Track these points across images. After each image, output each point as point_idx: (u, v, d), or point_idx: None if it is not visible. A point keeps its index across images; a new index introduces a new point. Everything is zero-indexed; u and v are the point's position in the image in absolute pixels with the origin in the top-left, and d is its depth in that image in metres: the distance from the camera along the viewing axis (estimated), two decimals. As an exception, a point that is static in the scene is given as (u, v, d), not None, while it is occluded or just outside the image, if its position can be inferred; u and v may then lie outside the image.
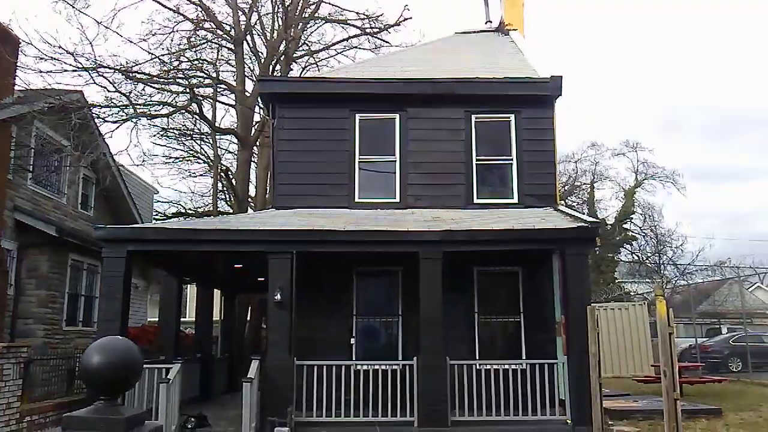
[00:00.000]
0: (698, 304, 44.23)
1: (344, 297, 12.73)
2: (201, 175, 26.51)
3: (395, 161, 13.50)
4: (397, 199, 13.35)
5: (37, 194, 17.18)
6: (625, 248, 38.18)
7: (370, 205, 13.16)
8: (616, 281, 36.64)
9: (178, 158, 25.97)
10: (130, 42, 17.71)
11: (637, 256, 38.02)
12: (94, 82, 16.93)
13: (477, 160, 13.51)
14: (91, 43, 16.32)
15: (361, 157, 13.48)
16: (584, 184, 39.03)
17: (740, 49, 75.81)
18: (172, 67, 17.85)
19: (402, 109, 13.58)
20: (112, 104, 15.98)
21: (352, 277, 12.93)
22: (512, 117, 13.58)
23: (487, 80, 13.56)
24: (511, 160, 13.47)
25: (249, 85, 20.79)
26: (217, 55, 21.61)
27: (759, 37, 74.07)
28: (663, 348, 8.44)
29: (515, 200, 13.32)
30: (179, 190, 46.59)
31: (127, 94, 15.77)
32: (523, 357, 12.47)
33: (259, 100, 17.57)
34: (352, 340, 12.67)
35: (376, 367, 11.23)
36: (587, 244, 11.07)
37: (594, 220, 10.99)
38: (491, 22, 18.68)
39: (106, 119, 15.93)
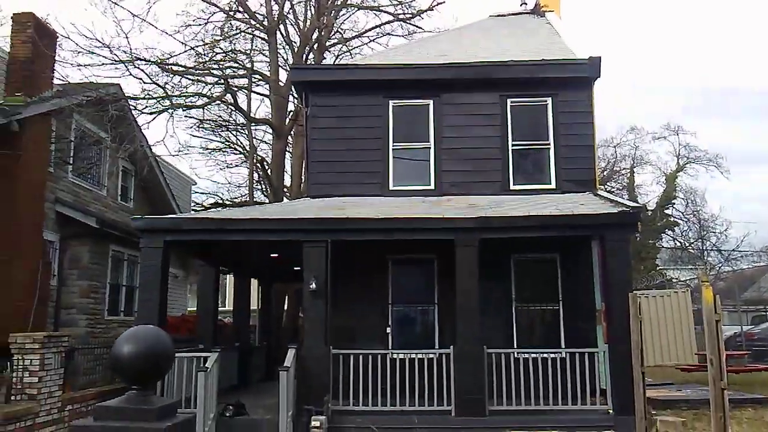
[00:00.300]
0: (743, 290, 43.13)
1: (379, 285, 12.66)
2: (237, 165, 26.74)
3: (430, 148, 13.33)
4: (432, 186, 13.19)
5: (78, 186, 17.48)
6: (667, 234, 37.31)
7: (404, 192, 13.04)
8: (658, 268, 35.87)
9: (214, 149, 26.20)
10: (166, 34, 17.88)
11: (680, 242, 37.15)
12: (131, 74, 17.09)
13: (513, 145, 13.26)
14: (126, 36, 16.49)
15: (395, 144, 13.35)
16: (624, 169, 38.22)
17: (787, 27, 73.15)
18: (207, 59, 17.91)
19: (436, 94, 13.39)
20: (149, 96, 16.07)
21: (387, 265, 12.84)
22: (549, 100, 13.28)
23: (523, 63, 13.28)
24: (549, 144, 13.19)
25: (283, 75, 20.77)
26: (251, 45, 21.65)
27: (807, 14, 71.33)
28: (709, 336, 8.16)
29: (553, 186, 13.04)
30: (217, 181, 47.03)
31: (163, 85, 15.85)
32: (563, 345, 12.25)
33: (292, 89, 17.58)
34: (388, 329, 12.60)
35: (413, 355, 11.14)
36: (628, 230, 10.77)
37: (635, 204, 10.68)
38: (526, 3, 18.31)
39: (143, 111, 16.03)
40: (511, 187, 13.10)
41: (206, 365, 10.07)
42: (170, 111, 15.92)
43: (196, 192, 27.74)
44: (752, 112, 67.17)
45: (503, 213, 10.97)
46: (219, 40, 18.87)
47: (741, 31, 73.65)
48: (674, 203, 37.15)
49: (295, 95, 17.74)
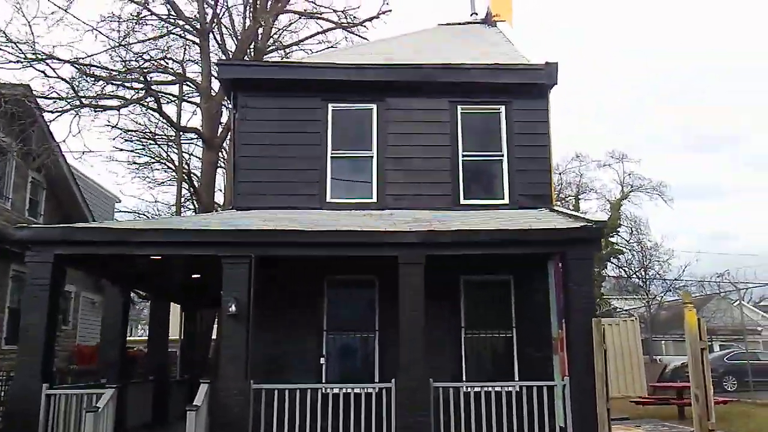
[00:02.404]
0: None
1: (313, 310, 11.15)
2: (165, 182, 24.82)
3: (372, 157, 12.01)
4: (374, 200, 11.84)
5: (-25, 198, 15.49)
6: (612, 262, 36.98)
7: (343, 205, 11.65)
8: (603, 297, 35.38)
9: (142, 164, 24.28)
10: (88, 28, 16.09)
11: (624, 270, 36.85)
12: (46, 75, 15.30)
13: (464, 156, 12.08)
14: (32, 32, 14.55)
15: (333, 152, 11.97)
16: (569, 196, 37.88)
17: (721, 66, 75.87)
18: (128, 60, 16.27)
19: (380, 98, 12.12)
20: (58, 96, 14.31)
21: (323, 287, 11.36)
22: (502, 108, 12.18)
23: (475, 66, 12.17)
24: (502, 156, 12.05)
25: (216, 85, 19.24)
26: (184, 55, 20.10)
27: (737, 54, 74.21)
28: (694, 366, 6.99)
29: (506, 201, 11.88)
30: (145, 199, 44.42)
31: (70, 80, 14.12)
32: (516, 377, 10.99)
33: (225, 100, 16.12)
34: (322, 360, 11.08)
35: (350, 390, 9.66)
36: (592, 246, 9.63)
37: (598, 218, 9.58)
38: (477, 14, 17.39)
39: (49, 110, 14.24)
40: (461, 201, 11.88)
41: (97, 404, 8.34)
42: (77, 109, 14.13)
43: (121, 210, 25.74)
44: (693, 147, 68.88)
45: (452, 227, 9.71)
46: (145, 41, 17.19)
47: (682, 64, 75.91)
48: (619, 231, 36.92)
49: (228, 105, 16.26)
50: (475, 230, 9.51)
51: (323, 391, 9.63)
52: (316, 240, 9.35)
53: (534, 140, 12.03)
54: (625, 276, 37.11)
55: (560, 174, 37.92)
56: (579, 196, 37.93)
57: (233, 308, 9.02)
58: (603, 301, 34.05)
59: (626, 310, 38.13)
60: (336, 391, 9.80)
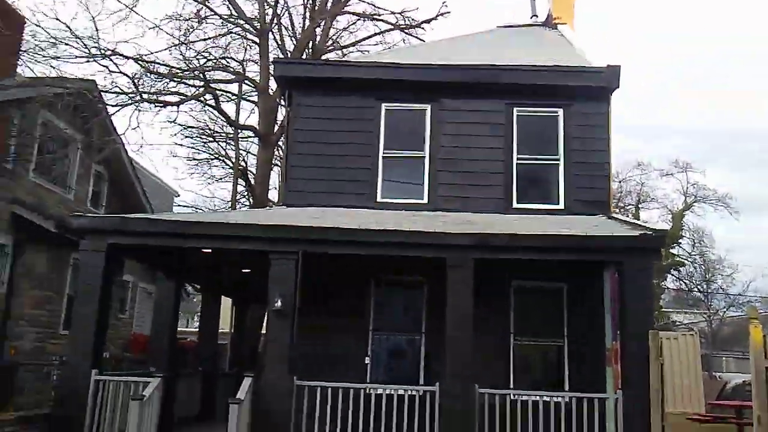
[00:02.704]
0: (748, 337, 41.42)
1: (359, 309, 11.07)
2: (222, 179, 25.22)
3: (425, 158, 11.86)
4: (425, 201, 11.69)
5: (41, 187, 15.98)
6: (672, 274, 35.70)
7: (394, 206, 11.54)
8: (662, 309, 34.19)
9: (200, 160, 24.74)
10: (153, 27, 16.49)
11: (685, 282, 35.55)
12: (109, 71, 15.74)
13: (518, 159, 11.80)
14: (96, 28, 14.93)
15: (386, 151, 11.88)
16: (629, 205, 36.77)
17: (795, 73, 72.52)
18: (189, 57, 16.59)
19: (434, 99, 11.96)
20: (120, 91, 14.68)
21: (370, 286, 11.27)
22: (560, 111, 11.85)
23: (533, 68, 11.88)
24: (558, 160, 11.72)
25: (274, 84, 19.44)
26: (244, 55, 20.39)
27: (816, 61, 70.80)
28: (757, 385, 6.58)
29: (561, 206, 11.54)
30: (203, 194, 45.24)
31: (131, 76, 14.47)
32: (566, 388, 10.65)
33: (281, 98, 16.23)
34: (367, 359, 10.99)
35: (393, 392, 9.52)
36: (650, 256, 9.24)
37: (659, 227, 9.18)
38: (537, 16, 17.04)
39: (108, 103, 14.61)
40: (514, 205, 11.61)
41: (143, 392, 8.45)
42: (137, 103, 14.46)
43: (179, 204, 26.30)
44: (760, 160, 65.98)
45: (504, 230, 9.47)
46: (206, 39, 17.50)
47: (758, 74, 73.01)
48: (680, 242, 35.63)
49: (284, 104, 16.39)
50: (527, 235, 9.23)
51: (366, 391, 9.55)
52: (363, 239, 9.25)
53: (593, 145, 11.66)
54: (686, 289, 35.79)
55: (620, 182, 36.88)
56: (639, 205, 36.80)
57: (279, 304, 9.01)
58: (661, 314, 32.90)
59: (686, 324, 36.80)
60: (379, 391, 9.69)
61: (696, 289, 35.68)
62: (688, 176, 36.97)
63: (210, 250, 10.22)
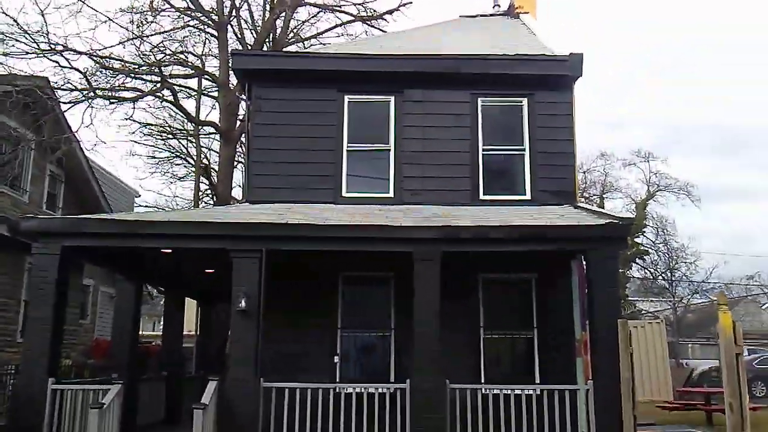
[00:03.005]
0: (712, 324, 42.22)
1: (327, 307, 10.83)
2: (183, 179, 24.70)
3: (389, 150, 11.65)
4: (391, 194, 11.49)
5: (-9, 190, 15.43)
6: (637, 263, 36.19)
7: (359, 200, 11.31)
8: (628, 298, 34.64)
9: (161, 159, 24.20)
10: (104, 21, 15.94)
11: (650, 271, 36.05)
12: (61, 67, 15.18)
13: (484, 150, 11.67)
14: (45, 22, 14.35)
15: (349, 145, 11.63)
16: (593, 195, 37.17)
17: (752, 66, 74.23)
18: (145, 51, 16.10)
19: (398, 90, 11.75)
20: (73, 87, 14.16)
21: (338, 284, 11.04)
22: (525, 101, 11.75)
23: (496, 57, 11.73)
24: (524, 150, 11.62)
25: (235, 78, 19.03)
26: (203, 49, 19.93)
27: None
28: (728, 373, 6.53)
29: (528, 197, 11.45)
30: (165, 194, 44.59)
31: (84, 71, 13.96)
32: (537, 380, 10.58)
33: (242, 93, 15.85)
34: (336, 358, 10.76)
35: (364, 390, 9.31)
36: (617, 245, 9.18)
37: (624, 215, 9.13)
38: (499, 6, 16.95)
39: (61, 100, 14.08)
40: (481, 196, 11.48)
41: (102, 401, 8.10)
42: (90, 99, 13.97)
43: (140, 204, 25.67)
44: (717, 149, 67.44)
45: (471, 223, 9.32)
46: (162, 33, 16.99)
47: (711, 65, 74.50)
48: (644, 231, 36.13)
49: (244, 98, 16.00)
50: (494, 226, 9.10)
51: (336, 390, 9.33)
52: (328, 234, 9.02)
53: (557, 134, 11.59)
54: (651, 278, 36.31)
55: (584, 173, 37.24)
56: (604, 195, 37.22)
57: (243, 304, 8.73)
58: (627, 303, 33.36)
59: (651, 312, 37.34)
60: (349, 390, 9.50)
61: (661, 278, 36.21)
62: (650, 165, 37.56)
63: (170, 251, 9.88)
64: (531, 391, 9.34)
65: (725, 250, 72.33)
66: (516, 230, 9.04)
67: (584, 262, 9.49)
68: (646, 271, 36.66)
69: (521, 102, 11.78)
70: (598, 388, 8.78)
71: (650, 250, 36.13)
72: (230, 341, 8.89)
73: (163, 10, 18.03)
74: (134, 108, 15.57)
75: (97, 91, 14.52)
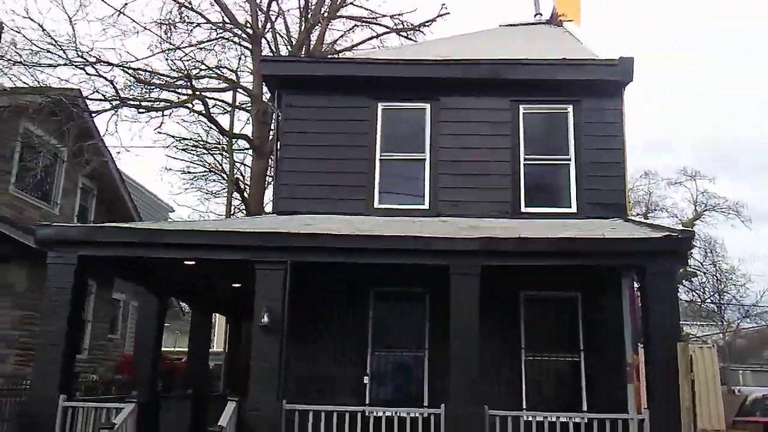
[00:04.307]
0: (764, 349, 40.19)
1: (356, 324, 10.19)
2: (217, 194, 24.44)
3: (425, 160, 11.04)
4: (426, 206, 10.85)
5: (21, 201, 15.24)
6: (684, 285, 34.63)
7: (392, 212, 10.71)
8: (675, 322, 33.08)
9: (196, 174, 23.99)
10: (139, 32, 15.79)
11: (697, 293, 34.47)
12: (97, 74, 14.98)
13: (526, 160, 10.97)
14: (74, 33, 14.22)
15: (383, 154, 11.06)
16: (638, 214, 35.83)
17: (800, 81, 71.66)
18: (178, 64, 15.87)
19: (434, 97, 11.17)
20: (104, 98, 13.96)
21: (368, 299, 10.40)
22: (570, 108, 11.04)
23: (538, 62, 11.09)
24: (569, 160, 10.89)
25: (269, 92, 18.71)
26: (239, 63, 19.71)
27: (821, 69, 70.01)
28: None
29: (574, 210, 10.68)
30: (198, 209, 44.87)
31: (113, 83, 13.74)
32: (584, 408, 9.73)
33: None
34: (366, 379, 10.08)
35: (395, 414, 8.59)
36: (676, 260, 8.34)
37: (685, 228, 8.32)
38: (541, 14, 16.30)
39: (90, 110, 13.88)
40: (522, 209, 10.76)
41: (114, 420, 7.57)
42: (119, 108, 13.73)
43: (174, 220, 25.44)
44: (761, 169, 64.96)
45: (512, 235, 8.61)
46: (196, 45, 16.76)
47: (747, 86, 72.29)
48: (692, 253, 34.61)
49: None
50: (538, 238, 8.37)
51: (365, 414, 8.62)
52: (358, 245, 8.40)
53: (606, 143, 10.84)
54: (699, 300, 34.71)
55: (629, 191, 36.03)
56: (648, 215, 35.85)
57: (266, 319, 8.15)
58: (674, 327, 31.84)
59: (699, 337, 35.67)
60: (379, 414, 8.78)
61: (709, 300, 34.59)
62: (697, 184, 36.12)
63: (193, 262, 9.38)
64: (579, 420, 8.52)
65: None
66: (562, 243, 8.29)
67: (639, 280, 8.67)
68: (693, 293, 35.06)
69: (566, 109, 11.07)
70: (655, 418, 7.93)
71: (698, 272, 34.55)
72: (252, 359, 8.28)
73: (198, 24, 17.89)
74: (163, 118, 15.28)
75: (127, 101, 14.26)
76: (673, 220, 36.04)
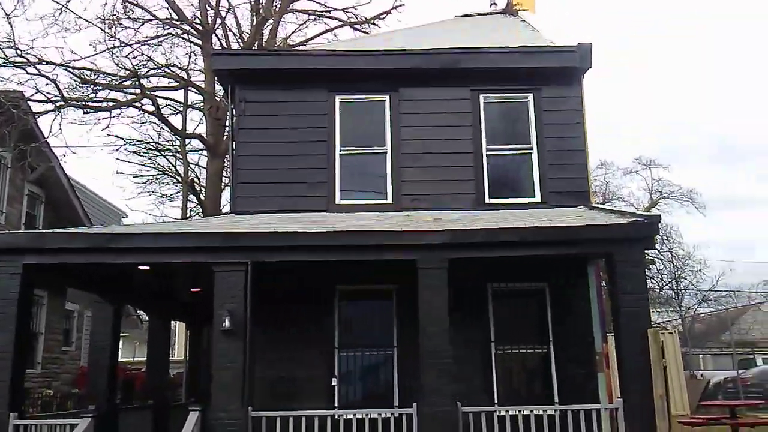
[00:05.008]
0: (721, 333, 41.14)
1: (323, 325, 9.88)
2: (172, 197, 23.76)
3: (386, 153, 10.78)
4: (389, 200, 10.60)
5: (-38, 210, 14.49)
6: (642, 273, 35.18)
7: (354, 207, 10.42)
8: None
9: (149, 177, 23.29)
10: (83, 29, 15.13)
11: (655, 280, 35.05)
12: (26, 72, 14.26)
13: (488, 150, 10.81)
14: (12, 31, 13.44)
15: (342, 148, 10.76)
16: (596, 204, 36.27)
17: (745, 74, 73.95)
18: (125, 61, 15.27)
19: (393, 88, 10.91)
20: (48, 99, 13.31)
21: (334, 299, 10.10)
22: (530, 96, 10.92)
23: (498, 50, 10.94)
24: (531, 149, 10.77)
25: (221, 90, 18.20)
26: (189, 60, 19.13)
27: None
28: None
29: (538, 199, 10.58)
30: (153, 214, 43.94)
31: (55, 82, 13.11)
32: (556, 399, 9.62)
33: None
34: (334, 381, 9.78)
35: (365, 416, 8.31)
36: (643, 245, 8.26)
37: (652, 213, 8.25)
38: (496, 4, 16.18)
39: (36, 112, 13.24)
40: (487, 200, 10.59)
41: (68, 438, 7.12)
42: (63, 108, 13.13)
43: (127, 226, 24.64)
44: (715, 158, 66.77)
45: (479, 226, 8.41)
46: (144, 42, 16.17)
47: (705, 73, 74.20)
48: (657, 237, 35.21)
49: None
50: (507, 228, 8.20)
51: (335, 417, 8.33)
52: (321, 242, 8.10)
53: (567, 131, 10.75)
54: (657, 288, 35.31)
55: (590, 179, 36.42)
56: (605, 205, 36.34)
57: (227, 323, 7.78)
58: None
59: (659, 323, 36.30)
60: (350, 416, 8.49)
61: (667, 287, 35.24)
62: (652, 173, 36.75)
63: (148, 267, 8.95)
64: (552, 411, 8.36)
65: (730, 257, 71.36)
66: (532, 232, 8.14)
67: (609, 267, 8.58)
68: (651, 281, 35.66)
69: (527, 98, 10.95)
70: (629, 406, 7.82)
71: (655, 260, 35.16)
72: (214, 365, 7.91)
73: (145, 21, 17.30)
74: (111, 119, 14.67)
75: (72, 101, 13.62)
76: (630, 209, 36.63)
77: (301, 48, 14.39)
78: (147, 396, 13.06)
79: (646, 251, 8.72)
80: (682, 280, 35.90)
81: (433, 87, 10.94)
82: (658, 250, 34.79)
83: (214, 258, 8.00)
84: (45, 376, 16.75)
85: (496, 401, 9.53)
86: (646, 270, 35.35)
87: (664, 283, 35.94)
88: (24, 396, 8.70)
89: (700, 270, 35.00)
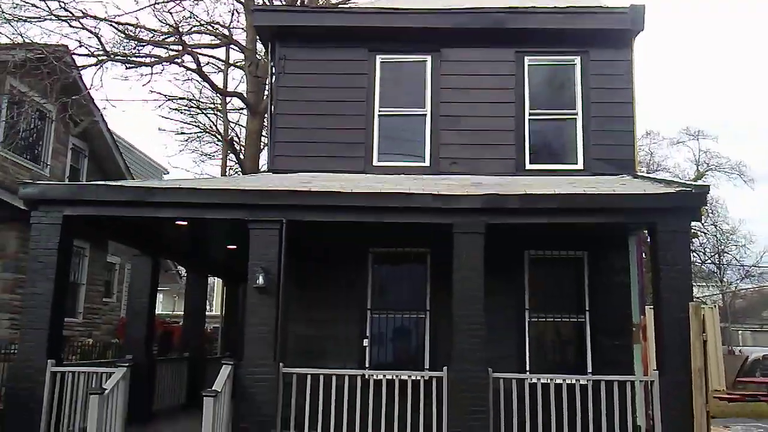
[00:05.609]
0: (763, 309, 40.19)
1: (356, 285, 9.88)
2: (212, 156, 23.96)
3: (425, 115, 10.60)
4: (427, 163, 10.46)
5: (9, 161, 14.77)
6: (684, 246, 34.37)
7: (392, 169, 10.32)
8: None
9: (190, 135, 23.46)
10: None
11: (698, 255, 34.26)
12: (69, 25, 14.33)
13: (531, 114, 10.54)
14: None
15: (381, 109, 10.62)
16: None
17: (805, 38, 70.50)
18: (167, 18, 15.21)
19: (435, 49, 10.67)
20: (90, 53, 13.40)
21: (367, 259, 10.07)
22: (577, 59, 10.57)
23: (545, 10, 10.57)
24: (576, 114, 10.46)
25: (262, 48, 18.08)
26: (231, 19, 19.07)
27: (826, 26, 68.74)
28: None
29: (581, 166, 10.31)
30: (194, 171, 44.48)
31: (97, 34, 13.18)
32: (590, 369, 9.49)
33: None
34: (365, 342, 9.81)
35: (395, 377, 8.31)
36: (690, 216, 7.97)
37: (700, 183, 7.94)
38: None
39: (80, 66, 13.35)
40: (527, 166, 10.37)
41: (104, 386, 7.28)
42: (105, 62, 13.20)
43: (166, 180, 25.00)
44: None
45: (518, 191, 8.22)
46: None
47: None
48: (704, 209, 34.32)
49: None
50: (546, 194, 7.99)
51: (365, 376, 8.36)
52: (356, 203, 8.02)
53: (615, 96, 10.40)
54: (699, 261, 34.54)
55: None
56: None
57: (261, 280, 7.82)
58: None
59: (699, 298, 35.62)
60: (379, 377, 8.52)
61: (709, 261, 34.43)
62: (700, 144, 35.64)
63: (185, 222, 9.01)
64: (585, 381, 8.25)
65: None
66: (572, 199, 7.93)
67: (650, 238, 8.32)
68: (693, 254, 34.89)
69: (574, 61, 10.60)
70: (666, 380, 7.65)
71: (699, 233, 34.31)
72: (247, 322, 7.98)
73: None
74: (152, 75, 14.70)
75: (115, 56, 13.69)
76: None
77: (342, 5, 14.10)
78: (183, 348, 13.36)
79: (697, 221, 8.43)
80: (725, 254, 35.03)
81: (476, 48, 10.66)
82: (702, 223, 33.93)
83: (249, 215, 8.00)
84: (86, 325, 17.23)
85: (527, 369, 9.45)
86: (690, 243, 34.65)
87: (706, 258, 35.12)
88: (62, 344, 8.90)
89: (744, 245, 34.10)
